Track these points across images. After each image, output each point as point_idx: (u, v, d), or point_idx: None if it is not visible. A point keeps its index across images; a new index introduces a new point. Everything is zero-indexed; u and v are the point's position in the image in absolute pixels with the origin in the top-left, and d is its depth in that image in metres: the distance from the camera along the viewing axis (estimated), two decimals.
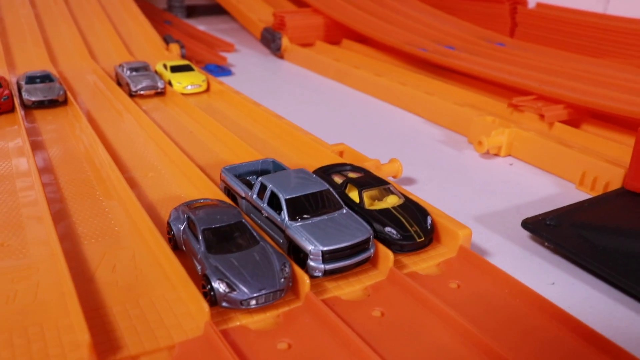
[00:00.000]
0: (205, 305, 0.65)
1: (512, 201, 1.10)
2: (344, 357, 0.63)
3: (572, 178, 1.18)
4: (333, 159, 1.09)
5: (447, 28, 2.14)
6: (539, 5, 2.19)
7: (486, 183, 1.18)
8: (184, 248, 0.79)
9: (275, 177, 0.85)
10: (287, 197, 0.80)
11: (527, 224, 0.93)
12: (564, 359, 0.65)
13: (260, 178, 0.85)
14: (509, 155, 1.32)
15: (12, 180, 1.03)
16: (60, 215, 0.92)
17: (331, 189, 0.84)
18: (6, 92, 1.37)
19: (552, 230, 0.91)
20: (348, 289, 0.75)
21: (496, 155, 1.32)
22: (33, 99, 1.40)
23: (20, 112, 1.33)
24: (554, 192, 1.15)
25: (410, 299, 0.73)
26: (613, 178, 1.10)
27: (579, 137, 1.30)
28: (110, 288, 0.74)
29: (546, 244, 0.93)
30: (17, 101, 1.39)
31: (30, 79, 1.47)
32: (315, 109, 1.64)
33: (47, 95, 1.41)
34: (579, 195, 1.13)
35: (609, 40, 1.92)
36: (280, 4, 2.62)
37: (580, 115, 1.39)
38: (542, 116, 1.36)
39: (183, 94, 1.56)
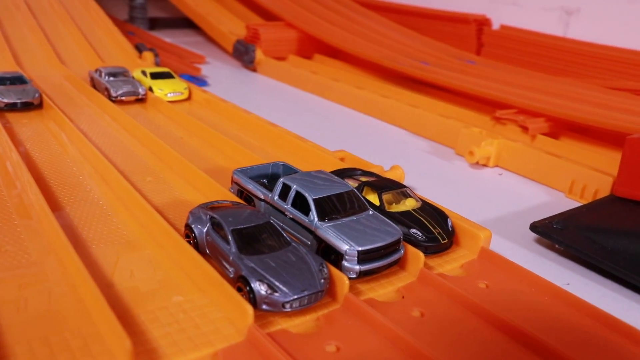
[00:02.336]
0: (249, 308, 0.62)
1: (507, 209, 1.13)
2: (399, 358, 0.61)
3: (561, 187, 1.23)
4: (335, 165, 1.08)
5: (418, 45, 2.20)
6: (502, 27, 2.29)
7: (478, 192, 1.21)
8: (208, 251, 0.75)
9: (297, 178, 0.83)
10: (315, 198, 0.78)
11: (536, 227, 0.96)
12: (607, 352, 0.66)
13: (282, 179, 0.83)
14: (497, 165, 1.36)
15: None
16: (59, 220, 0.85)
17: (355, 190, 0.83)
18: None
19: (560, 232, 0.94)
20: (381, 291, 0.74)
21: (485, 165, 1.36)
22: (6, 100, 1.30)
23: None
24: (545, 200, 1.19)
25: (446, 299, 0.73)
26: (601, 186, 1.15)
27: (560, 149, 1.35)
28: (133, 294, 0.69)
29: (556, 246, 0.95)
30: None
31: (0, 80, 1.37)
32: (297, 121, 1.62)
33: (22, 98, 1.32)
34: (569, 203, 1.17)
35: (568, 60, 2.04)
36: (248, 17, 2.60)
37: (558, 128, 1.46)
38: (525, 128, 1.41)
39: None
